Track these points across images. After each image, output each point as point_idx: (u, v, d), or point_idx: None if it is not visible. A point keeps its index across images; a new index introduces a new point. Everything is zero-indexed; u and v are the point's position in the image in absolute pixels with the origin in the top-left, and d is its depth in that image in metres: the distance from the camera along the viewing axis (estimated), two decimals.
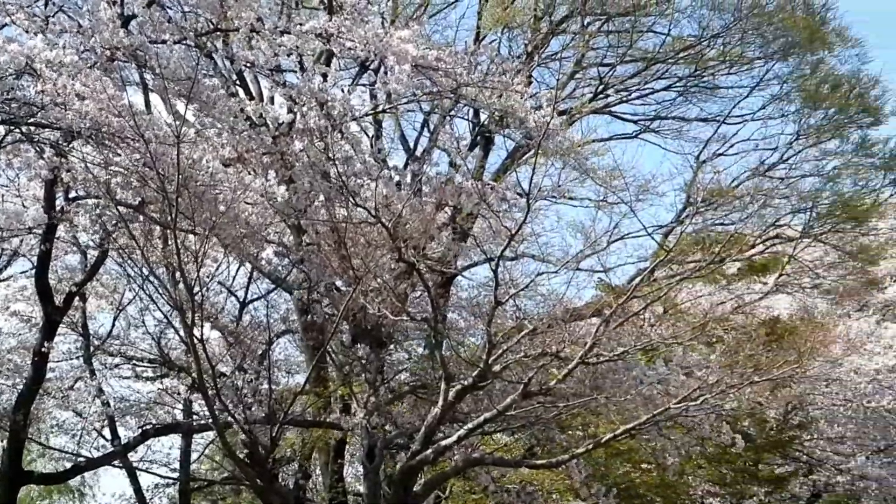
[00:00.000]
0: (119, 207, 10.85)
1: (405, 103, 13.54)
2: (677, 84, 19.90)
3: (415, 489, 13.62)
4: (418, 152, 16.27)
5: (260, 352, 13.78)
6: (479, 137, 16.71)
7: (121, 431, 16.21)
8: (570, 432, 16.82)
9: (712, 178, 19.85)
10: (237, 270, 15.35)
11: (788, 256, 21.81)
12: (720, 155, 21.04)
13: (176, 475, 17.08)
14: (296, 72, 12.27)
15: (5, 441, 13.00)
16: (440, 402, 13.12)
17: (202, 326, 11.46)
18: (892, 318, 41.81)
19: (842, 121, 22.31)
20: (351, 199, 12.01)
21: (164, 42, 10.65)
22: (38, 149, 10.39)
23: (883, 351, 31.37)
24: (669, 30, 19.09)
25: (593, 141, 17.30)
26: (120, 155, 10.48)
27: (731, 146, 21.28)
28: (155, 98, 11.99)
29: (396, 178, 13.69)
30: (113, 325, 16.16)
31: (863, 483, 25.54)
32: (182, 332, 11.67)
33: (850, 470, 25.22)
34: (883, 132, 22.71)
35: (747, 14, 20.15)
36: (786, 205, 21.91)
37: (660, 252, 17.82)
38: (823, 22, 22.22)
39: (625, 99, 19.31)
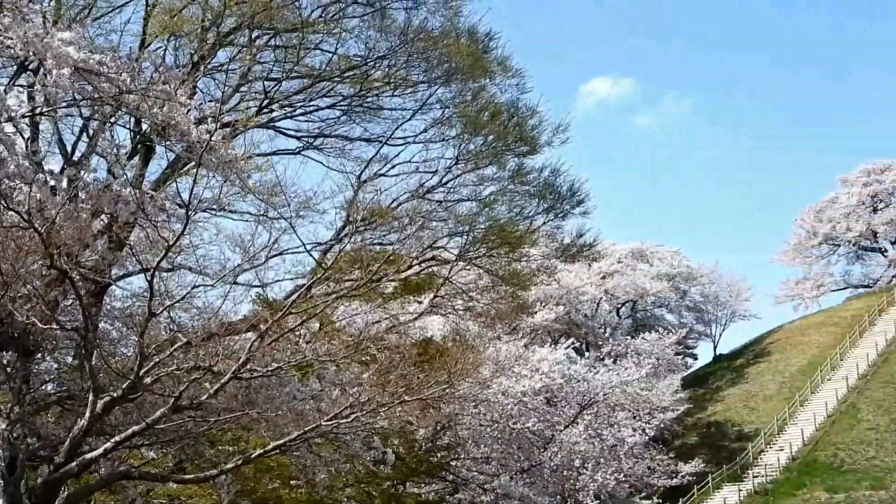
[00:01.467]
0: None
1: (64, 107, 14.60)
2: (342, 103, 22.07)
3: (57, 503, 14.67)
4: (76, 157, 17.19)
5: None
6: (139, 146, 17.90)
7: None
8: (220, 447, 18.39)
9: (373, 197, 22.21)
10: None
11: (443, 278, 24.57)
12: (381, 175, 23.43)
13: None
14: None
15: None
16: (87, 414, 14.25)
17: None
18: (539, 342, 47.20)
19: (500, 148, 25.22)
20: (2, 202, 12.89)
21: None
22: None
23: (530, 374, 35.88)
24: (336, 48, 21.23)
25: (256, 155, 19.04)
26: None
27: (393, 167, 23.74)
28: None
29: (52, 182, 14.67)
30: None
31: (506, 502, 29.15)
32: None
33: (494, 489, 28.74)
34: (538, 161, 25.88)
35: (413, 38, 22.48)
36: (443, 227, 24.63)
37: (318, 269, 19.75)
38: (486, 50, 25.19)
39: (289, 115, 21.23)
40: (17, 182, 13.52)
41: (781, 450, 52.78)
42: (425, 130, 24.10)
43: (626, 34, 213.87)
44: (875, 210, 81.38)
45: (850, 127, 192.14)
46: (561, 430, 36.58)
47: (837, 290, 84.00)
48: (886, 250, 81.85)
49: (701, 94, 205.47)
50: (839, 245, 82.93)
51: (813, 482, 49.08)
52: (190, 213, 14.48)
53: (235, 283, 17.64)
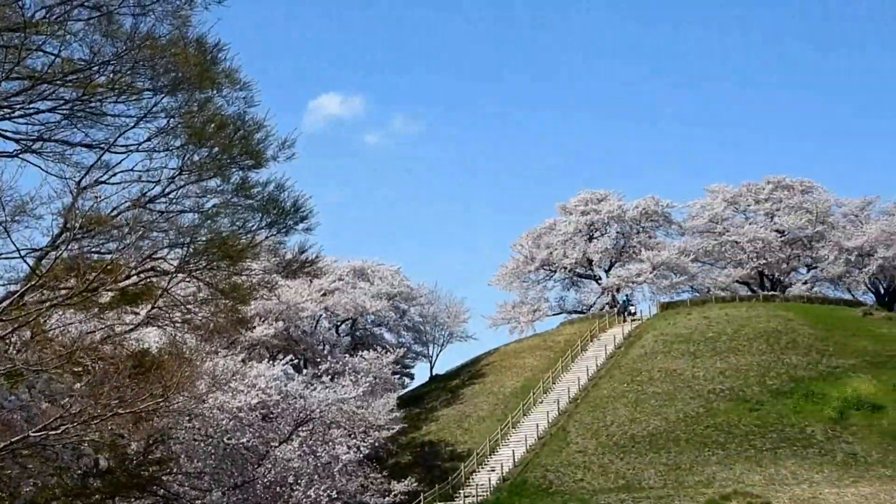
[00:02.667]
0: None
1: None
2: (64, 106, 22.26)
3: None
4: None
5: None
6: None
7: None
8: None
9: (92, 205, 22.51)
10: None
11: (162, 290, 25.11)
12: (102, 183, 23.71)
13: None
14: None
15: None
16: None
17: None
18: (258, 357, 48.09)
19: (225, 161, 25.92)
20: None
21: None
22: None
23: (246, 389, 36.85)
24: (60, 51, 21.45)
25: None
26: None
27: (115, 175, 23.98)
28: None
29: None
30: None
31: None
32: None
33: None
34: (263, 175, 26.56)
35: (140, 44, 22.94)
36: (164, 238, 25.11)
37: (32, 276, 20.00)
38: (215, 61, 25.91)
39: (7, 116, 21.27)
40: None
41: (493, 470, 55.76)
42: (149, 139, 24.33)
43: (357, 51, 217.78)
44: (591, 238, 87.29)
45: (572, 155, 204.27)
46: (276, 447, 37.62)
47: (553, 314, 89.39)
48: (600, 278, 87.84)
49: (431, 115, 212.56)
50: (555, 271, 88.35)
51: (522, 503, 52.26)
52: None
53: None
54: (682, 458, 54.64)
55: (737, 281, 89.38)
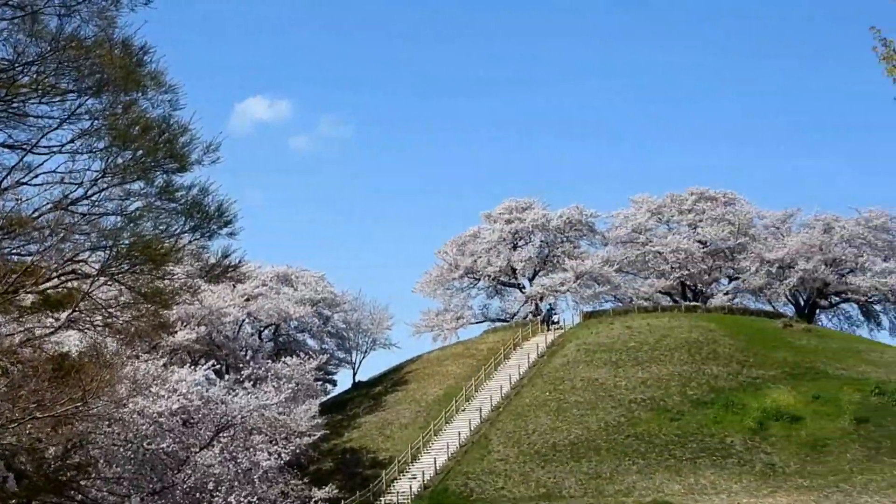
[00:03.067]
0: None
1: None
2: None
3: None
4: None
5: None
6: None
7: None
8: None
9: (13, 206, 22.49)
10: None
11: (83, 293, 25.09)
12: (24, 184, 23.66)
13: None
14: None
15: None
16: None
17: None
18: (179, 361, 47.95)
19: (149, 163, 25.96)
20: None
21: None
22: None
23: (167, 394, 36.79)
24: None
25: None
26: None
27: (37, 176, 23.98)
28: None
29: None
30: None
31: None
32: None
33: None
34: (188, 178, 26.61)
35: (65, 45, 22.98)
36: (86, 241, 25.10)
37: None
38: (140, 64, 25.96)
39: None
40: None
41: (414, 478, 56.09)
42: (73, 141, 24.31)
43: (286, 54, 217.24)
44: (515, 247, 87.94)
45: (498, 164, 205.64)
46: (196, 452, 37.61)
47: (476, 322, 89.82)
48: (524, 286, 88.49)
49: (358, 120, 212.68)
50: (479, 279, 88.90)
51: None
52: None
53: None
54: (602, 466, 55.42)
55: (659, 291, 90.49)
